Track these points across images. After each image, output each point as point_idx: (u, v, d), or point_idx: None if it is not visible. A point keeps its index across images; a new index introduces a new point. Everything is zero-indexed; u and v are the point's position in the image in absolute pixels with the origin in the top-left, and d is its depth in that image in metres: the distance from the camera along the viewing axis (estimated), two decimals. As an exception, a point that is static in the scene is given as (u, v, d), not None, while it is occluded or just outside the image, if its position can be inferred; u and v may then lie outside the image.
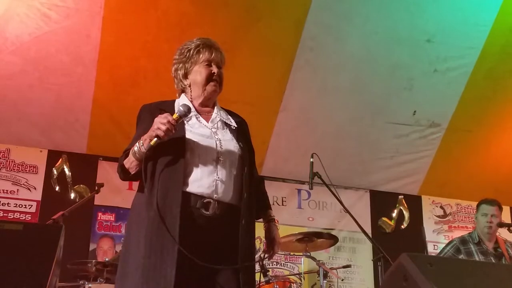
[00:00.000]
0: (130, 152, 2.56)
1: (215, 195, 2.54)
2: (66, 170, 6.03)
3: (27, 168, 5.96)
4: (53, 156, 6.04)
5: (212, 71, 2.72)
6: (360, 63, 6.00)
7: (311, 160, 4.25)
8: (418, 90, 6.22)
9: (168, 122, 2.45)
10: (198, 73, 2.73)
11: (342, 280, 6.14)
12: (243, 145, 2.69)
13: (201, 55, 2.74)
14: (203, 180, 2.54)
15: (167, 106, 2.70)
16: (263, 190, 2.96)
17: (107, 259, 5.02)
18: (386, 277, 2.55)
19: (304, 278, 5.31)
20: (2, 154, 5.93)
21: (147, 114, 2.69)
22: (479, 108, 6.45)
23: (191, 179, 2.53)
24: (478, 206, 5.01)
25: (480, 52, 5.96)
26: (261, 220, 2.90)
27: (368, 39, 5.85)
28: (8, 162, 5.92)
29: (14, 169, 5.92)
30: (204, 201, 2.52)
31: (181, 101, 2.72)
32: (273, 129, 6.27)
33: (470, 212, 7.16)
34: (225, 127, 2.74)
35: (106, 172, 6.10)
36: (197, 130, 2.63)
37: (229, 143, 2.66)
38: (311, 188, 4.28)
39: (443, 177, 6.98)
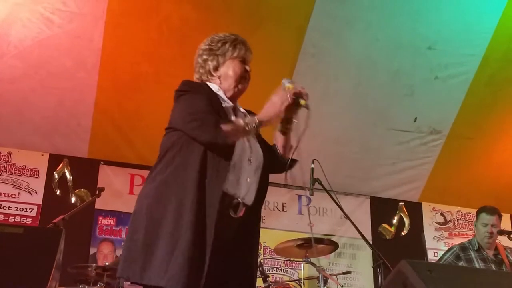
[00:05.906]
0: (242, 125, 2.50)
1: (243, 197, 2.49)
2: (67, 174, 6.04)
3: (28, 171, 5.97)
4: (54, 160, 6.05)
5: (247, 69, 2.70)
6: (361, 69, 6.01)
7: (312, 166, 4.26)
8: (419, 97, 6.22)
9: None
10: (231, 68, 2.67)
11: (342, 286, 6.11)
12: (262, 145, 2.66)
13: (237, 51, 2.68)
14: (239, 181, 2.50)
15: (214, 96, 2.62)
16: None
17: (107, 263, 5.04)
18: (385, 284, 2.55)
19: (304, 284, 5.30)
20: (4, 158, 5.93)
21: (201, 89, 2.62)
22: (480, 115, 6.45)
23: (230, 178, 2.46)
24: (477, 214, 4.98)
25: (481, 59, 5.96)
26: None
27: (370, 46, 5.86)
28: (9, 166, 5.92)
29: (15, 172, 5.93)
30: (234, 202, 2.47)
31: (214, 89, 2.64)
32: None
33: (471, 219, 7.15)
34: None
35: (107, 176, 6.11)
36: None
37: (255, 143, 2.64)
38: (312, 194, 4.30)
39: (444, 184, 6.98)
